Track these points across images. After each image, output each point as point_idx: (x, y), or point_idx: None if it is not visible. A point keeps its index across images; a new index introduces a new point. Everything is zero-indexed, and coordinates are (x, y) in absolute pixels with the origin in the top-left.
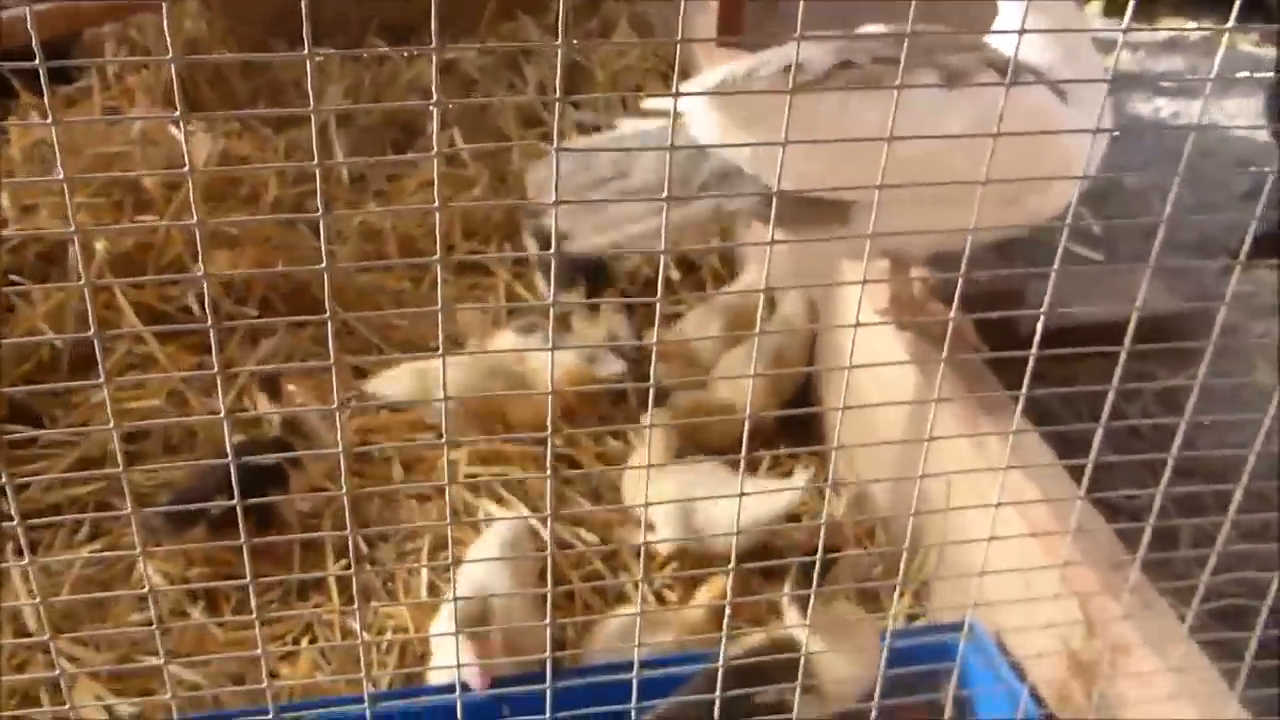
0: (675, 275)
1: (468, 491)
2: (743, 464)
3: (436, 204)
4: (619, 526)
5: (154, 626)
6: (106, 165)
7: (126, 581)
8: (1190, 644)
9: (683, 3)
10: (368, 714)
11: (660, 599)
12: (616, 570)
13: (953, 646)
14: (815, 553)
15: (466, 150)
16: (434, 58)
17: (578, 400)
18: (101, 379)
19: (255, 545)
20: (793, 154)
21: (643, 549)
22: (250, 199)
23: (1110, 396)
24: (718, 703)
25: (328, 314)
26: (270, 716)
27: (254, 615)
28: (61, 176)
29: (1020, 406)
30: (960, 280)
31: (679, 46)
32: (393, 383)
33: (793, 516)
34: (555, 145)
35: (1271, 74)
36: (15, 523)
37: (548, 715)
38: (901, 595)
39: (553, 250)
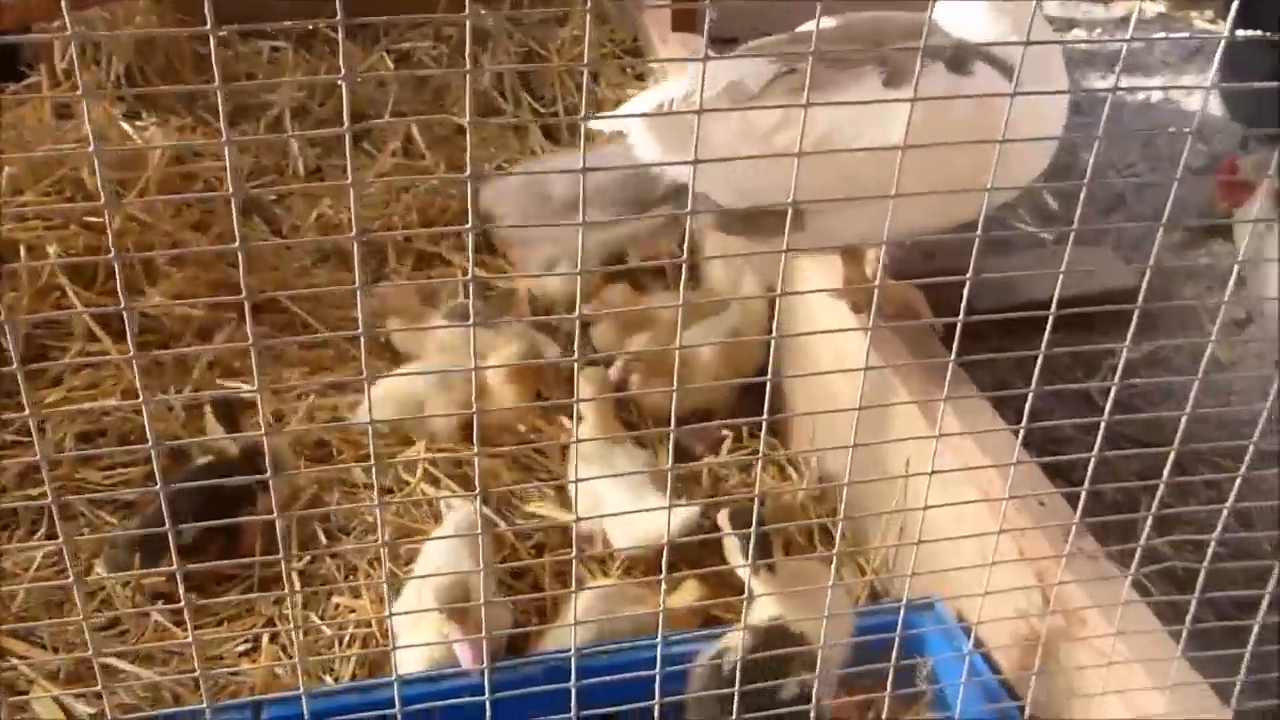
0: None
1: (428, 485)
2: (670, 479)
3: (350, 179)
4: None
5: (92, 620)
6: (57, 162)
7: (83, 583)
8: (1142, 609)
9: None
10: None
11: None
12: (580, 560)
13: (915, 620)
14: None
15: (421, 139)
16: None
17: (528, 394)
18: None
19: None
20: (738, 169)
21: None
22: (206, 193)
23: (1039, 362)
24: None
25: (242, 295)
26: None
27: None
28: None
29: (949, 372)
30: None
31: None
32: (377, 406)
33: (760, 501)
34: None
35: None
36: None
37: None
38: (863, 573)
39: (469, 226)
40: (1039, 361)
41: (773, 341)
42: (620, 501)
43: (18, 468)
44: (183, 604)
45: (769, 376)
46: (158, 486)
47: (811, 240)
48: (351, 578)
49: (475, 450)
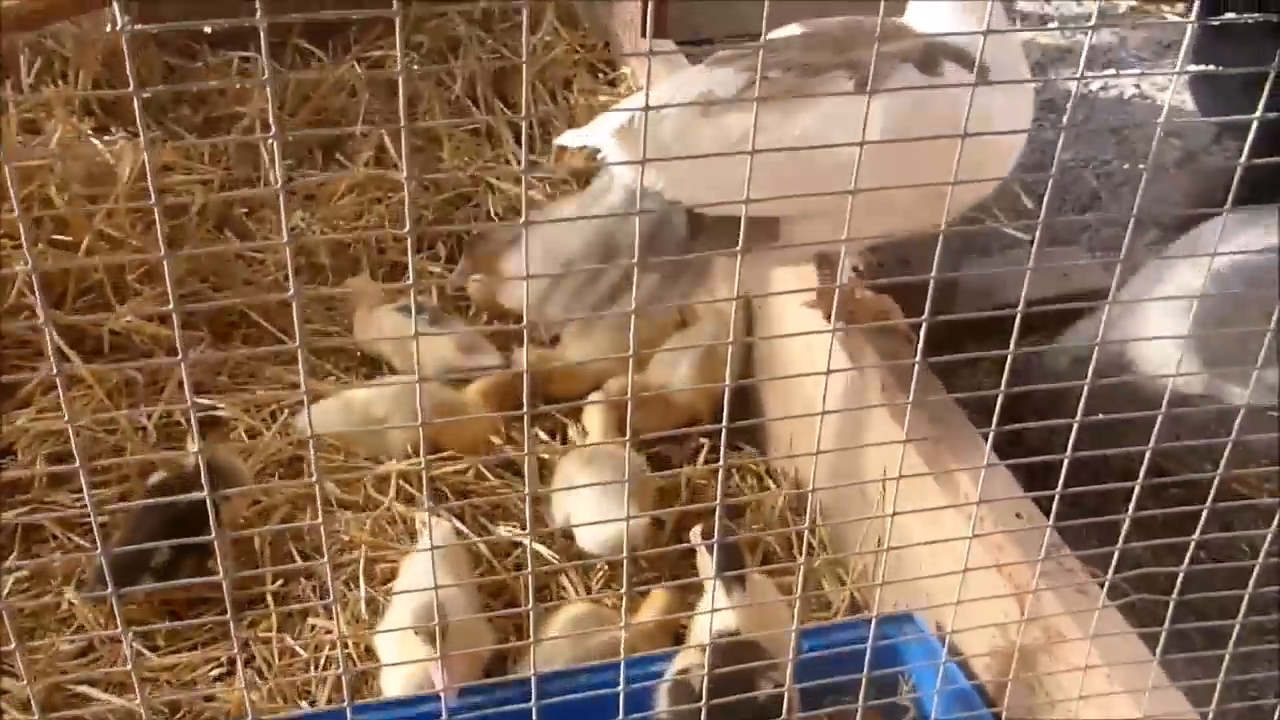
0: None
1: (400, 504)
2: (626, 490)
3: (279, 184)
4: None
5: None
6: (26, 179)
7: (55, 610)
8: (1115, 614)
9: None
10: None
11: (598, 601)
12: (557, 574)
13: (891, 632)
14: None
15: (394, 149)
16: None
17: (500, 408)
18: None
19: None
20: (711, 181)
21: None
22: (177, 209)
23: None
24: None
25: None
26: None
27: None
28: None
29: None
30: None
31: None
32: (321, 414)
33: (737, 511)
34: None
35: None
36: None
37: None
38: (842, 583)
39: (408, 230)
40: (1008, 362)
41: (748, 350)
42: (583, 509)
43: None
44: (157, 628)
45: (728, 382)
46: (88, 509)
47: (788, 251)
48: (324, 598)
49: (421, 460)
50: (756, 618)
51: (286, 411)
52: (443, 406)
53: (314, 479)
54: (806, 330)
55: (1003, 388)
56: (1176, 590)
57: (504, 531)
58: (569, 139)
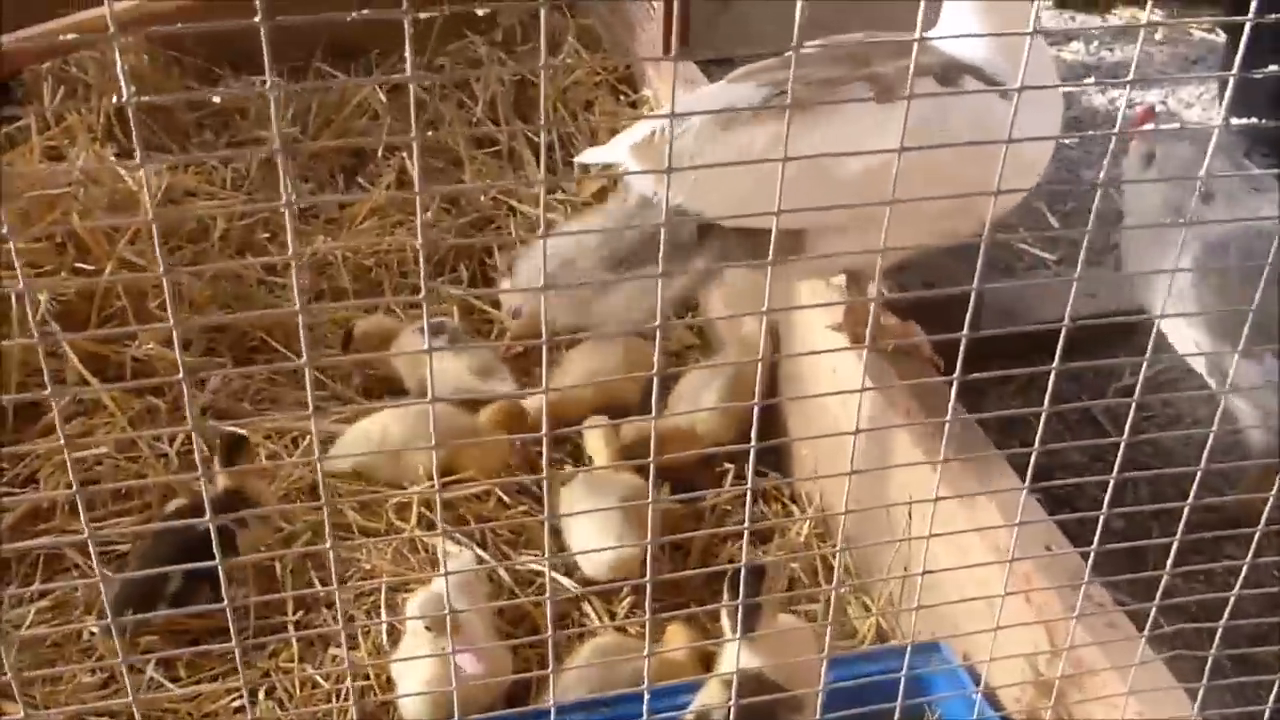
0: None
1: (420, 531)
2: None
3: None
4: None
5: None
6: (48, 207)
7: (77, 640)
8: (1153, 661)
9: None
10: None
11: (623, 630)
12: (579, 601)
13: (919, 662)
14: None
15: (417, 171)
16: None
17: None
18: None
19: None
20: (732, 195)
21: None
22: (199, 234)
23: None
24: None
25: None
26: None
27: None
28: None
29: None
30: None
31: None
32: (345, 448)
33: (765, 538)
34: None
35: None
36: None
37: None
38: (868, 611)
39: (419, 240)
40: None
41: (772, 373)
42: (581, 534)
43: (9, 520)
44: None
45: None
46: (85, 536)
47: (812, 264)
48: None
49: (436, 484)
50: (779, 654)
51: (308, 438)
52: (459, 431)
53: (322, 503)
54: (832, 349)
55: (1045, 405)
56: (1221, 632)
57: (525, 558)
58: (589, 156)
